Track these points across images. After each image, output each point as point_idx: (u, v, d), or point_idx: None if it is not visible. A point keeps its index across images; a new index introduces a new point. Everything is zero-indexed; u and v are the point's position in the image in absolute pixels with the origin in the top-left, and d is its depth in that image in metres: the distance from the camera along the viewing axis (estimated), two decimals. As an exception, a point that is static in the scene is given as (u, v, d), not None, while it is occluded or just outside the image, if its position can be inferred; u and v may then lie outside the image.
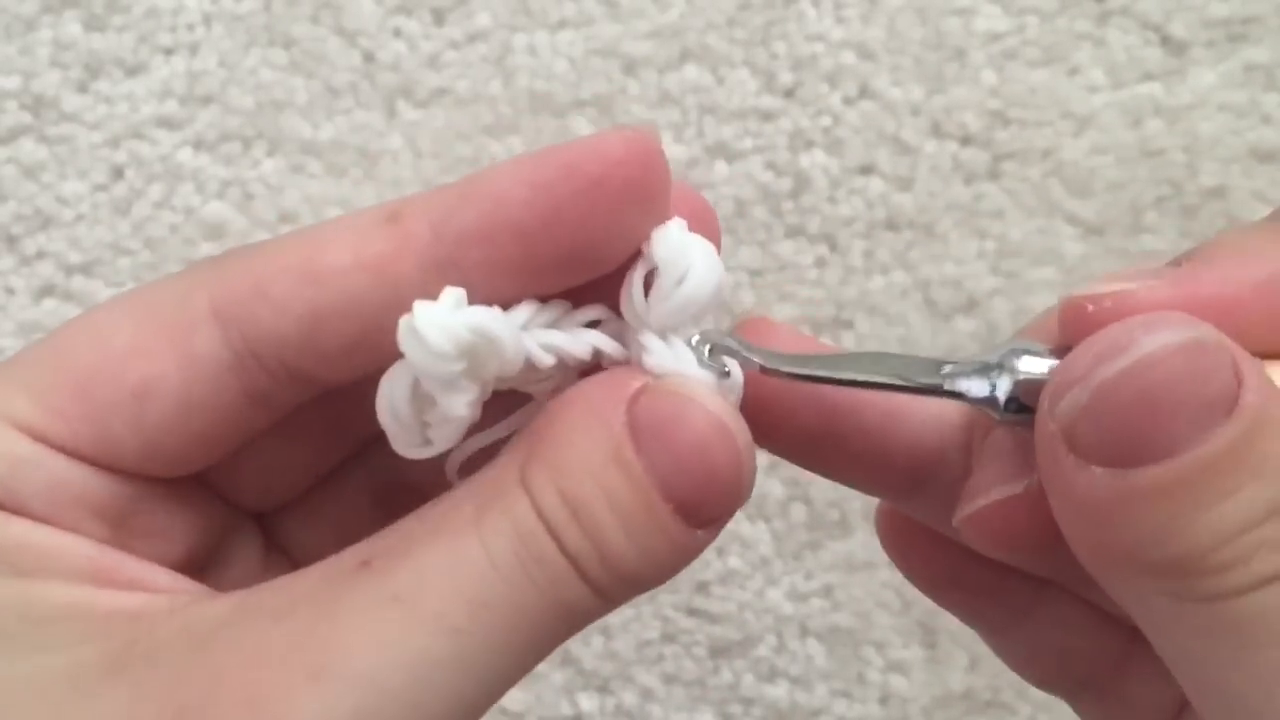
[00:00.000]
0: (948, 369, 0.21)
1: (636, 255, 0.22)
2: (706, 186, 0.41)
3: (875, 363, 0.21)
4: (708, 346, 0.22)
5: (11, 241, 0.42)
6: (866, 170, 0.41)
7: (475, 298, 0.21)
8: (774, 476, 0.41)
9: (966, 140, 0.40)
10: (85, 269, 0.41)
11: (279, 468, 0.25)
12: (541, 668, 0.41)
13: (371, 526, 0.25)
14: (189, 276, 0.22)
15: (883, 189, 0.40)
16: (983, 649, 0.40)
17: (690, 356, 0.22)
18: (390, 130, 0.41)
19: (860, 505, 0.40)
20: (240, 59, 0.41)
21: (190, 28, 0.42)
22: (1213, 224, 0.40)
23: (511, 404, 0.23)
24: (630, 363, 0.22)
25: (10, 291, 0.42)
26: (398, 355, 0.20)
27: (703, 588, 0.41)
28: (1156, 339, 0.18)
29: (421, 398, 0.21)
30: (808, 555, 0.41)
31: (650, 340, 0.22)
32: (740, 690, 0.41)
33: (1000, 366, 0.20)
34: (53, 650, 0.20)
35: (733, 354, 0.22)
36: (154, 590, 0.21)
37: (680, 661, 0.41)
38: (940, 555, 0.25)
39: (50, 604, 0.20)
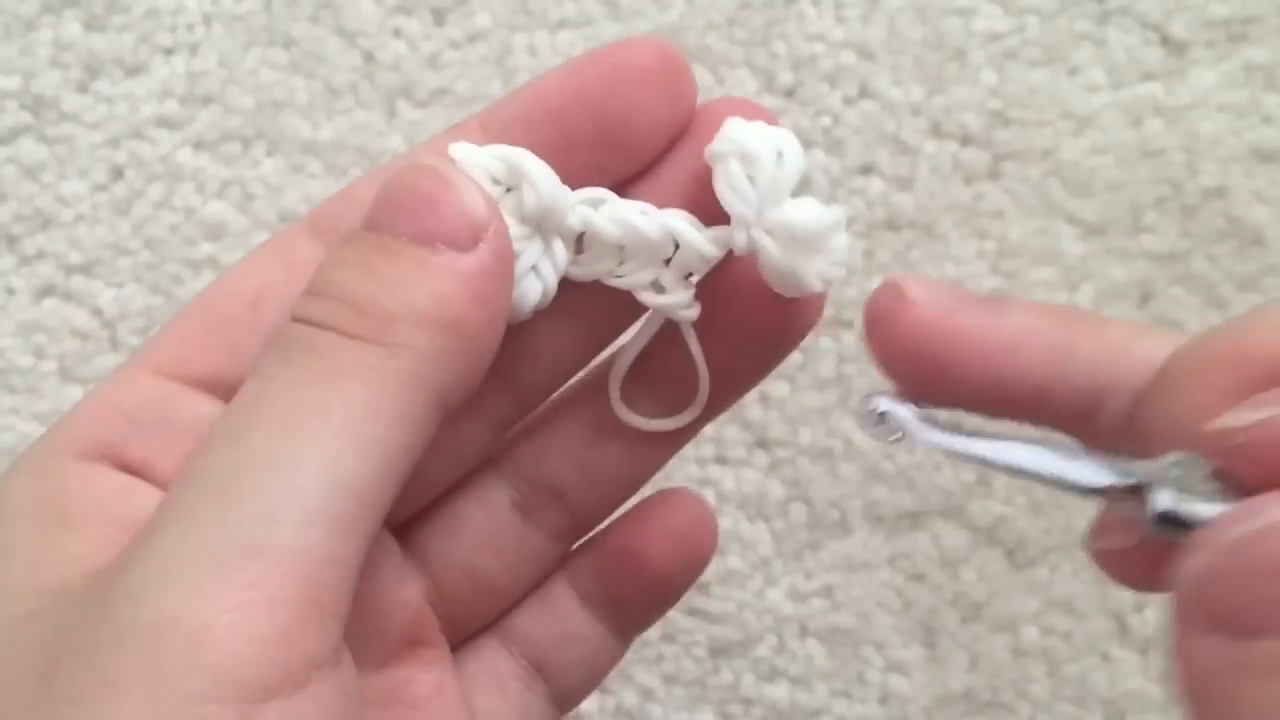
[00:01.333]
0: (1106, 480, 0.20)
1: (693, 155, 0.24)
2: (706, 186, 0.41)
3: (1044, 461, 0.21)
4: (878, 408, 0.22)
5: (11, 241, 0.42)
6: (866, 170, 0.41)
7: None
8: (774, 476, 0.41)
9: (966, 140, 0.40)
10: (85, 269, 0.41)
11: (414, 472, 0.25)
12: (541, 668, 0.41)
13: (514, 532, 0.26)
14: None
15: (883, 189, 0.40)
16: (983, 649, 0.40)
17: (822, 213, 0.23)
18: (390, 130, 0.41)
19: (860, 505, 0.40)
20: (240, 59, 0.41)
21: (190, 28, 0.42)
22: (1213, 224, 0.40)
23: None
24: (705, 254, 0.24)
25: (10, 291, 0.42)
26: None
27: (702, 588, 0.41)
28: None
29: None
30: (808, 555, 0.41)
31: (764, 233, 0.23)
32: (740, 690, 0.41)
33: (1154, 485, 0.19)
34: (18, 596, 0.21)
35: (895, 419, 0.22)
36: None
37: (680, 661, 0.41)
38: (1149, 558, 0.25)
39: (66, 558, 0.21)
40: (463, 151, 0.23)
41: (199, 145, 0.41)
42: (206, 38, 0.42)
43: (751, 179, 0.23)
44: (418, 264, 0.21)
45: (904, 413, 0.22)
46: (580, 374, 0.27)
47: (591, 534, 0.28)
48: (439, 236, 0.21)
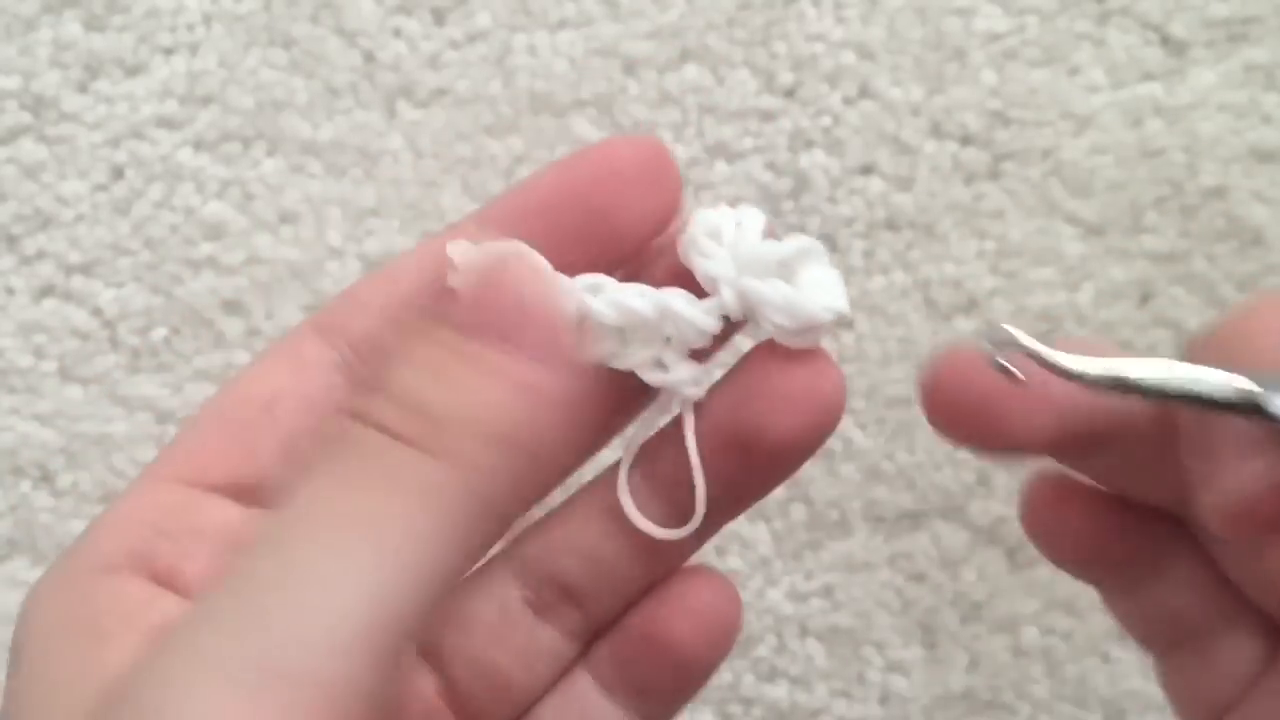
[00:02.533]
0: (1254, 387, 0.21)
1: (671, 239, 0.24)
2: (706, 186, 0.41)
3: (1174, 372, 0.22)
4: (1011, 343, 0.22)
5: (11, 241, 0.42)
6: (866, 170, 0.41)
7: None
8: (774, 476, 0.41)
9: (966, 140, 0.40)
10: (85, 269, 0.41)
11: None
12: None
13: (527, 630, 0.25)
14: (302, 324, 0.25)
15: (883, 189, 0.40)
16: (983, 649, 0.40)
17: (824, 274, 0.23)
18: (390, 130, 0.41)
19: (860, 505, 0.40)
20: (240, 59, 0.41)
21: (190, 28, 0.42)
22: (1212, 224, 0.40)
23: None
24: (704, 329, 0.24)
25: (10, 291, 0.42)
26: None
27: (703, 588, 0.41)
28: None
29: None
30: (808, 555, 0.41)
31: (753, 284, 0.23)
32: (740, 690, 0.41)
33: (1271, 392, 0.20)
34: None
35: (1035, 356, 0.22)
36: None
37: (680, 661, 0.41)
38: (1086, 532, 0.25)
39: (101, 672, 0.20)
40: (460, 249, 0.22)
41: (199, 145, 0.41)
42: (206, 38, 0.42)
43: (718, 244, 0.24)
44: (497, 376, 0.20)
45: (1032, 344, 0.22)
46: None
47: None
48: (524, 346, 0.20)
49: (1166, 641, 0.26)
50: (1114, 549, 0.25)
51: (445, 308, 0.20)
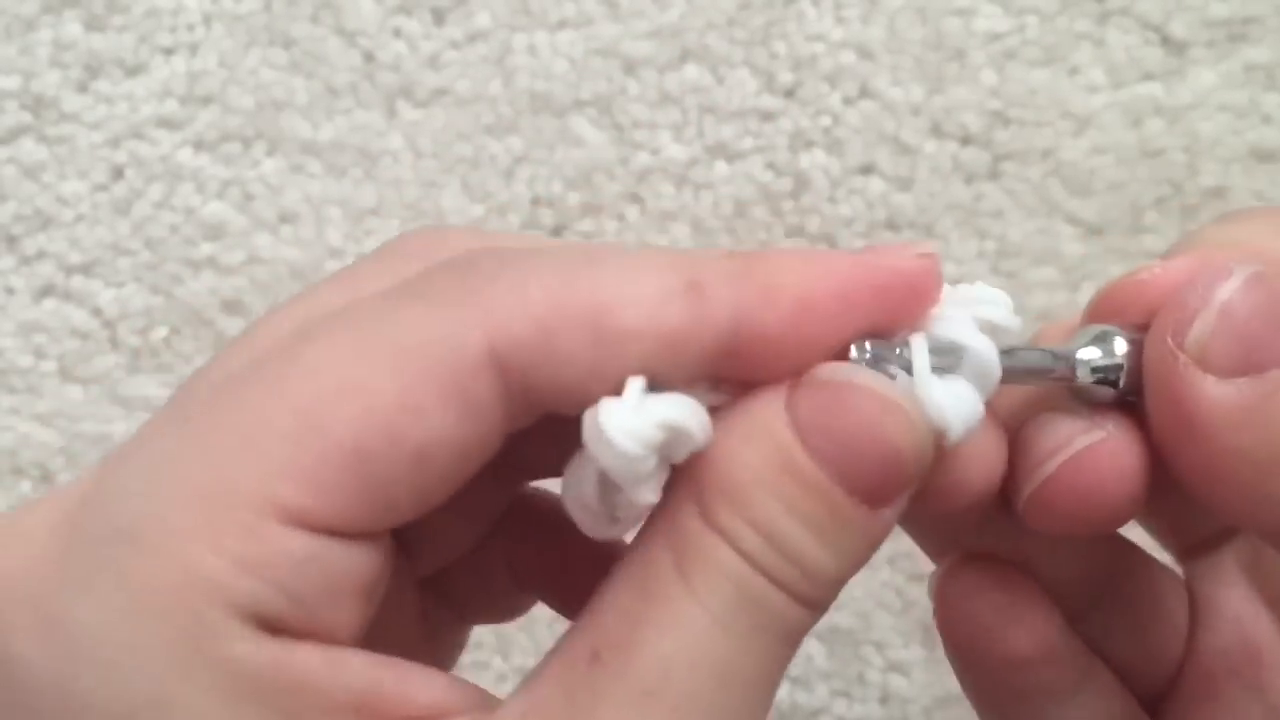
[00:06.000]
0: (1065, 349, 0.21)
1: None
2: (706, 186, 0.41)
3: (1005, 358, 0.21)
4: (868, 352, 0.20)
5: (11, 241, 0.42)
6: (866, 170, 0.41)
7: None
8: (774, 476, 0.41)
9: (966, 140, 0.40)
10: (85, 269, 0.41)
11: (457, 529, 0.24)
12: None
13: (540, 562, 0.25)
14: (447, 307, 0.19)
15: (883, 189, 0.40)
16: (983, 649, 0.40)
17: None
18: (390, 130, 0.41)
19: (860, 505, 0.40)
20: (240, 59, 0.41)
21: (190, 28, 0.42)
22: (1213, 224, 0.40)
23: None
24: None
25: (10, 291, 0.42)
26: None
27: (703, 588, 0.41)
28: (1254, 267, 0.20)
29: (609, 485, 0.20)
30: (808, 555, 0.41)
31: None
32: (740, 690, 0.41)
33: (1102, 339, 0.21)
34: None
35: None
36: (419, 711, 0.19)
37: (680, 661, 0.41)
38: (998, 641, 0.25)
39: None
40: (619, 421, 0.19)
41: (199, 145, 0.41)
42: (206, 38, 0.42)
43: (992, 327, 0.21)
44: (866, 538, 0.20)
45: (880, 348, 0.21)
46: None
47: None
48: (891, 504, 0.20)
49: None
50: (1046, 658, 0.25)
51: (842, 474, 0.20)
